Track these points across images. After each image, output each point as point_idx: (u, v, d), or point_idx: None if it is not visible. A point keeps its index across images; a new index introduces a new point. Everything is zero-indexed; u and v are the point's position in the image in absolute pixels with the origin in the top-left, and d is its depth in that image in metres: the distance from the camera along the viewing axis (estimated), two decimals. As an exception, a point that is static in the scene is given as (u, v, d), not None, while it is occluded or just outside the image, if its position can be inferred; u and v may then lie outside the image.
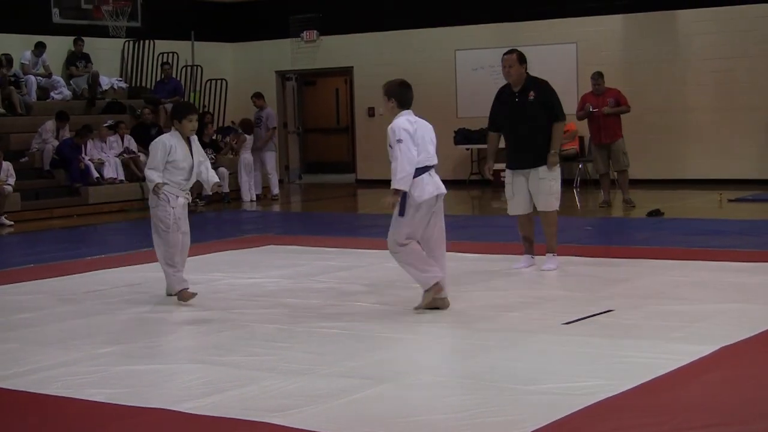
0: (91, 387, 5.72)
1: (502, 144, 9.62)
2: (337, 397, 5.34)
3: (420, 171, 7.37)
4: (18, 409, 5.45)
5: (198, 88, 21.29)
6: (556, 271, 9.12)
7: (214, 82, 21.29)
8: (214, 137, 19.25)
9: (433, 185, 7.44)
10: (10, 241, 14.16)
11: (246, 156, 18.74)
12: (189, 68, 21.36)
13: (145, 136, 18.83)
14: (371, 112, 21.83)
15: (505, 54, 9.23)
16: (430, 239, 7.55)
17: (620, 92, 15.20)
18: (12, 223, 15.29)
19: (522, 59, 9.17)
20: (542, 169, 9.12)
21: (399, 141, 7.27)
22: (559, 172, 9.23)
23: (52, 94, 19.48)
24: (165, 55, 21.03)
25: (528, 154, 9.15)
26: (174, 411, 5.18)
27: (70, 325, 7.52)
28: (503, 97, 9.38)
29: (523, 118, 9.16)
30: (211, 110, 20.80)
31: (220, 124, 20.77)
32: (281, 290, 8.63)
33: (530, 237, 9.39)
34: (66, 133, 17.64)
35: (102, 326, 7.45)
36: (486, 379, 5.61)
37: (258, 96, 19.53)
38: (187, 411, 5.17)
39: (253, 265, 10.26)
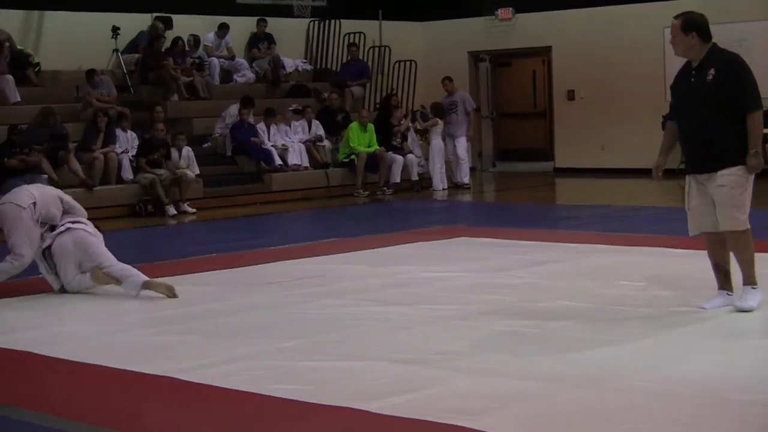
0: (272, 382, 5.84)
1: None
2: (531, 400, 5.31)
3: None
4: (198, 402, 5.62)
5: (385, 70, 21.48)
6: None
7: (402, 63, 21.45)
8: (402, 122, 19.18)
9: None
10: (192, 229, 14.64)
11: (437, 142, 18.81)
12: (376, 49, 21.58)
13: (330, 122, 19.13)
14: (571, 95, 21.59)
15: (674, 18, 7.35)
16: None
17: None
18: (194, 210, 15.78)
19: (689, 26, 7.15)
20: (723, 174, 7.09)
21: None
22: (751, 179, 7.16)
23: (235, 76, 19.94)
24: (351, 35, 21.31)
25: (704, 151, 7.18)
26: (359, 410, 5.25)
27: (250, 317, 7.72)
28: (681, 75, 7.48)
29: (698, 104, 7.18)
30: (399, 93, 20.95)
31: (409, 108, 20.88)
32: (473, 285, 8.62)
33: (723, 265, 7.39)
34: (250, 118, 17.89)
35: (283, 319, 7.60)
36: (695, 387, 5.47)
37: (448, 79, 19.57)
38: (373, 411, 5.22)
39: (443, 257, 10.30)
